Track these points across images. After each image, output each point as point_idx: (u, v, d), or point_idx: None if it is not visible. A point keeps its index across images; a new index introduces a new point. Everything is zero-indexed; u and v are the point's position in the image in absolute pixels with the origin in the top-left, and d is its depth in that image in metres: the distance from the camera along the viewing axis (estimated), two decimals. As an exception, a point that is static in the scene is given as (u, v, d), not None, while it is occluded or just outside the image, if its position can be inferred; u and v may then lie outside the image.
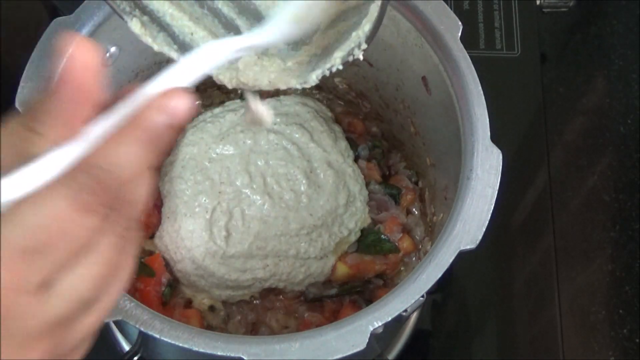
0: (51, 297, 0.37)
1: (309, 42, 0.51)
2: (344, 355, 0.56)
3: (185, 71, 0.42)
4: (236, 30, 0.54)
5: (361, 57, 0.48)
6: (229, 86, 0.51)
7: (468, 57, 0.68)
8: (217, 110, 0.81)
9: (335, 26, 0.50)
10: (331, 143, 0.79)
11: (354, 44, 0.48)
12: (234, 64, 0.51)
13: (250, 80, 0.51)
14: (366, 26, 0.47)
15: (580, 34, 1.03)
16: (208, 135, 0.78)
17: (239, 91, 0.87)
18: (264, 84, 0.50)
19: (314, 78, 0.49)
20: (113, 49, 0.72)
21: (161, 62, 0.78)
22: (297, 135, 0.78)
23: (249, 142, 0.77)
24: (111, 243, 0.38)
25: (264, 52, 0.52)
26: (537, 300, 0.86)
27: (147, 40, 0.51)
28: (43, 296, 0.36)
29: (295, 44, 0.52)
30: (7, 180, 0.36)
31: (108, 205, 0.37)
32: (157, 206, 0.78)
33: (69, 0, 0.69)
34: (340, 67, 0.48)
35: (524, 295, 0.87)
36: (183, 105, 0.39)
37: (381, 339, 0.77)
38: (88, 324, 0.40)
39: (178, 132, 0.39)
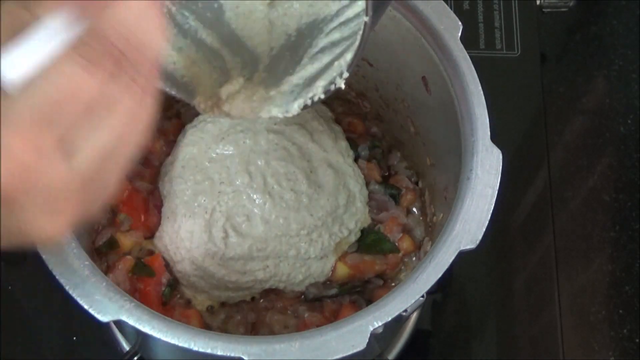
0: (74, 153, 0.37)
1: (292, 73, 0.51)
2: (344, 355, 0.56)
3: None
4: (220, 60, 0.54)
5: (343, 86, 0.48)
6: (212, 115, 0.52)
7: (468, 57, 0.68)
8: (217, 110, 0.81)
9: (319, 59, 0.50)
10: (331, 143, 0.79)
11: (335, 73, 0.47)
12: (216, 94, 0.51)
13: (233, 109, 0.51)
14: (348, 55, 0.47)
15: (580, 34, 1.03)
16: (208, 135, 0.78)
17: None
18: (246, 112, 0.50)
19: (295, 107, 0.49)
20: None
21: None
22: (297, 135, 0.78)
23: (249, 142, 0.77)
24: (127, 93, 0.38)
25: (248, 81, 0.52)
26: (537, 300, 0.86)
27: None
28: (64, 155, 0.37)
29: (280, 75, 0.52)
30: (8, 56, 0.35)
31: (116, 54, 0.37)
32: (157, 206, 0.78)
33: (69, 0, 0.69)
34: (322, 97, 0.48)
35: (524, 295, 0.87)
36: None
37: (381, 339, 0.77)
38: (112, 177, 0.40)
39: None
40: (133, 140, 0.40)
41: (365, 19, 0.44)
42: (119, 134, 0.38)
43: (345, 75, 0.47)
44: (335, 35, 0.49)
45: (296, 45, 0.52)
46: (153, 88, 0.40)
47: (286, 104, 0.50)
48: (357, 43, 0.46)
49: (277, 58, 0.53)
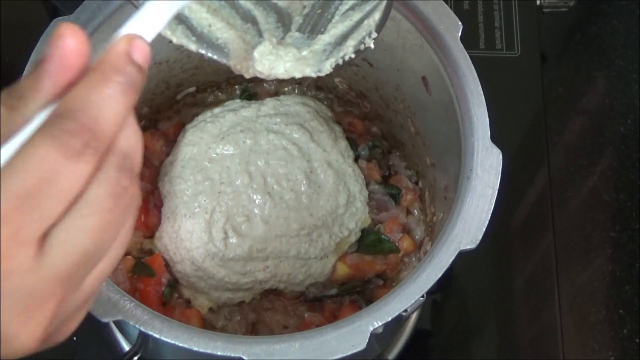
0: (51, 249, 0.36)
1: (324, 32, 0.51)
2: (344, 355, 0.56)
3: (148, 20, 0.41)
4: (253, 21, 0.54)
5: (372, 45, 0.48)
6: (246, 76, 0.52)
7: (468, 57, 0.68)
8: (217, 110, 0.81)
9: (350, 16, 0.50)
10: (331, 143, 0.79)
11: (365, 32, 0.48)
12: (250, 53, 0.51)
13: (266, 69, 0.51)
14: (376, 14, 0.47)
15: (580, 34, 1.03)
16: (208, 135, 0.78)
17: (239, 91, 0.87)
18: (280, 72, 0.51)
19: (327, 66, 0.50)
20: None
21: (160, 63, 0.78)
22: (297, 135, 0.78)
23: (249, 142, 0.77)
24: (108, 193, 0.37)
25: (280, 42, 0.52)
26: (537, 300, 0.86)
27: (167, 33, 0.52)
28: (42, 249, 0.36)
29: (311, 33, 0.52)
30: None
31: (98, 151, 0.37)
32: (157, 206, 0.78)
33: (69, 0, 0.69)
34: (353, 56, 0.49)
35: (524, 295, 0.87)
36: (142, 49, 0.39)
37: (381, 339, 0.77)
38: (91, 282, 0.39)
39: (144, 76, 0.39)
40: (115, 245, 0.39)
41: None
42: (99, 237, 0.37)
43: (374, 35, 0.48)
44: None
45: (327, 3, 0.53)
46: (136, 191, 0.39)
47: (318, 63, 0.50)
48: (383, 4, 0.47)
49: (308, 17, 0.54)
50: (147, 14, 0.42)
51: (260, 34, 0.54)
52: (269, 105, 0.80)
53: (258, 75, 0.52)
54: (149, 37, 0.41)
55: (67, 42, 0.38)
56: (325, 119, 0.81)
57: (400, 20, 0.71)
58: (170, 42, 0.52)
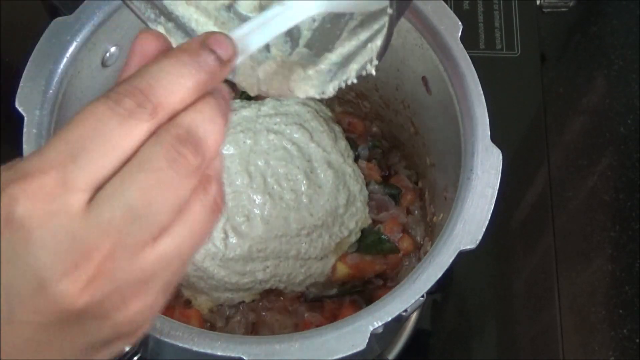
0: (99, 200, 0.36)
1: (331, 49, 0.51)
2: (344, 355, 0.56)
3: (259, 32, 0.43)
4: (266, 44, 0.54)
5: (374, 73, 0.48)
6: (251, 94, 0.52)
7: (468, 57, 0.68)
8: (217, 110, 0.81)
9: (357, 34, 0.50)
10: (331, 143, 0.79)
11: (367, 57, 0.48)
12: (255, 70, 0.52)
13: (270, 89, 0.51)
14: (378, 40, 0.47)
15: (580, 34, 1.03)
16: (208, 135, 0.78)
17: (239, 91, 0.87)
18: (284, 91, 0.51)
19: (331, 89, 0.50)
20: (113, 49, 0.71)
21: (161, 62, 0.78)
22: (297, 135, 0.78)
23: (249, 142, 0.77)
24: (160, 154, 0.37)
25: (286, 59, 0.52)
26: (537, 300, 0.86)
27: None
28: (92, 200, 0.36)
29: (318, 50, 0.52)
30: None
31: (153, 114, 0.37)
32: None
33: (69, 0, 0.69)
34: (355, 81, 0.49)
35: (524, 295, 0.87)
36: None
37: (381, 339, 0.77)
38: (152, 259, 0.38)
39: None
40: (177, 228, 0.38)
41: (390, 11, 0.45)
42: (148, 196, 0.37)
43: (375, 62, 0.48)
44: (374, 5, 0.50)
45: (337, 17, 0.53)
46: (220, 210, 0.40)
47: (322, 84, 0.50)
48: (385, 30, 0.47)
49: (317, 31, 0.54)
50: (249, 25, 0.42)
51: (267, 48, 0.54)
52: (269, 105, 0.80)
53: (262, 94, 0.52)
54: (249, 45, 0.42)
55: (145, 36, 0.40)
56: (325, 119, 0.81)
57: (400, 21, 0.71)
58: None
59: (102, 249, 0.36)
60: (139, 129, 0.37)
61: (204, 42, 0.39)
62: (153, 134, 0.37)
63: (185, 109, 0.38)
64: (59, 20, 0.68)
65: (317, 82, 0.51)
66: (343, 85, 0.49)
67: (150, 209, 0.37)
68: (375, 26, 0.49)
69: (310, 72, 0.51)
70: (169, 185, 0.37)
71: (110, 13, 0.69)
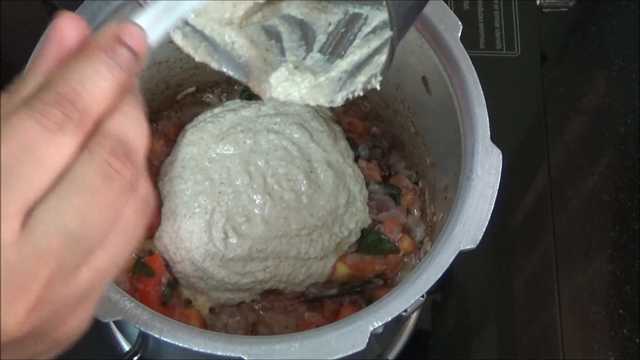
0: (35, 227, 0.35)
1: (344, 56, 0.52)
2: (344, 355, 0.56)
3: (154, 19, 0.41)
4: (277, 38, 0.55)
5: (378, 87, 0.49)
6: (264, 98, 0.53)
7: (468, 57, 0.68)
8: (217, 110, 0.81)
9: (369, 42, 0.51)
10: (331, 143, 0.79)
11: (374, 71, 0.49)
12: (269, 75, 0.52)
13: (282, 96, 0.52)
14: (383, 56, 0.48)
15: (580, 34, 1.03)
16: (208, 135, 0.78)
17: (239, 91, 0.87)
18: (295, 98, 0.52)
19: (339, 99, 0.51)
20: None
21: (160, 63, 0.78)
22: (297, 135, 0.78)
23: (249, 142, 0.77)
24: (95, 173, 0.36)
25: (299, 64, 0.53)
26: (537, 300, 0.86)
27: (189, 51, 0.53)
28: (26, 226, 0.35)
29: (331, 55, 0.53)
30: None
31: (81, 125, 0.36)
32: (157, 206, 0.78)
33: (69, 0, 0.69)
34: (361, 93, 0.50)
35: (524, 295, 0.87)
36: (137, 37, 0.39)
37: (381, 339, 0.77)
38: (87, 275, 0.37)
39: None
40: (111, 243, 0.37)
41: (391, 33, 0.45)
42: (86, 220, 0.36)
43: (379, 78, 0.48)
44: (385, 15, 0.50)
45: (352, 21, 0.54)
46: (142, 189, 0.39)
47: (332, 93, 0.51)
48: (387, 49, 0.47)
49: (332, 35, 0.54)
50: (152, 12, 0.41)
51: (282, 52, 0.54)
52: (269, 105, 0.80)
53: (274, 100, 0.53)
54: (153, 33, 0.41)
55: (63, 23, 0.39)
56: (325, 118, 0.81)
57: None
58: (171, 42, 0.52)
59: (40, 279, 0.35)
60: (70, 144, 0.36)
61: (117, 36, 0.38)
62: (83, 146, 0.36)
63: (109, 111, 0.38)
64: (59, 20, 0.68)
65: (327, 90, 0.51)
66: (351, 96, 0.50)
67: (86, 231, 0.36)
68: (386, 34, 0.50)
69: (321, 79, 0.51)
70: (106, 204, 0.36)
71: (110, 13, 0.69)
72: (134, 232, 0.39)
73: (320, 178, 0.76)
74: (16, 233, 0.34)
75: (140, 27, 0.40)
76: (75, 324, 0.39)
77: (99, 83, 0.37)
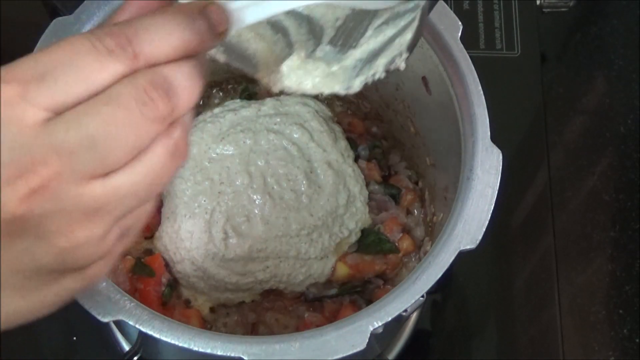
0: (58, 121, 0.36)
1: (356, 46, 0.51)
2: (344, 355, 0.56)
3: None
4: (284, 32, 0.54)
5: (403, 66, 0.47)
6: (274, 90, 0.51)
7: (468, 57, 0.68)
8: (217, 110, 0.81)
9: (383, 31, 0.50)
10: (331, 143, 0.79)
11: (396, 51, 0.47)
12: (278, 66, 0.51)
13: (294, 84, 0.51)
14: (408, 34, 0.47)
15: (580, 34, 1.03)
16: (208, 135, 0.78)
17: (239, 91, 0.87)
18: (308, 88, 0.50)
19: (357, 84, 0.49)
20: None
21: (161, 62, 0.78)
22: (297, 135, 0.78)
23: (249, 142, 0.77)
24: (130, 93, 0.37)
25: (310, 55, 0.52)
26: (537, 300, 0.86)
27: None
28: (51, 120, 0.36)
29: (342, 47, 0.52)
30: None
31: (132, 57, 0.37)
32: (157, 206, 0.78)
33: (69, 0, 0.69)
34: (383, 76, 0.48)
35: (524, 295, 0.87)
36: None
37: (381, 339, 0.77)
38: (103, 193, 0.37)
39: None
40: (134, 170, 0.38)
41: (422, 2, 0.44)
42: (109, 129, 0.37)
43: (405, 55, 0.47)
44: (400, 7, 0.49)
45: (361, 16, 0.52)
46: (185, 148, 0.39)
47: (348, 80, 0.49)
48: (416, 23, 0.46)
49: (341, 29, 0.53)
50: (240, 3, 0.42)
51: (290, 45, 0.54)
52: (269, 105, 0.80)
53: (286, 90, 0.51)
54: (243, 19, 0.42)
55: None
56: (325, 119, 0.81)
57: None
58: None
59: (50, 166, 0.35)
60: (114, 68, 0.37)
61: (201, 9, 0.39)
62: (128, 76, 0.37)
63: (166, 63, 0.38)
64: (59, 20, 0.68)
65: (342, 77, 0.50)
66: (370, 80, 0.48)
67: (107, 142, 0.36)
68: (402, 23, 0.48)
69: (335, 68, 0.50)
70: (133, 125, 0.37)
71: (110, 13, 0.69)
72: (161, 170, 0.39)
73: (320, 178, 0.76)
74: (39, 121, 0.36)
75: (224, 9, 0.40)
76: (83, 237, 0.38)
77: (165, 36, 0.38)
